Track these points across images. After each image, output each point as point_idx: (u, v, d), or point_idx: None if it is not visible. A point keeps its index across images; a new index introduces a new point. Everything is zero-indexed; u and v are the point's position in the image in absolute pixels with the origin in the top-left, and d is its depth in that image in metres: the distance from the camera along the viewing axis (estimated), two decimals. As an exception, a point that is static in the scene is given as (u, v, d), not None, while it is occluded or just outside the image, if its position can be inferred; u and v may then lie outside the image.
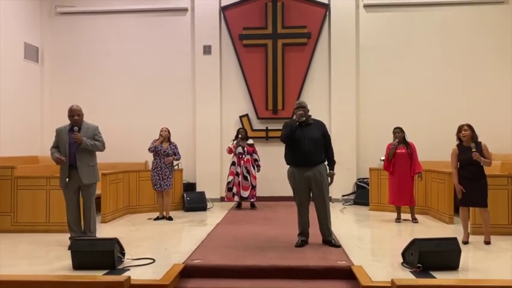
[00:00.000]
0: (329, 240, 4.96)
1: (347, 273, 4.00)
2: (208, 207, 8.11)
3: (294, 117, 5.07)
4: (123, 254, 4.30)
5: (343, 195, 8.88)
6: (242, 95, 9.35)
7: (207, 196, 8.34)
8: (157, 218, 7.00)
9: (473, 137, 5.18)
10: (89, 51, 9.51)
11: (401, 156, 6.63)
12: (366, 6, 9.21)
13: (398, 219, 6.65)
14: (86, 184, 5.05)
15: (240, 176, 7.88)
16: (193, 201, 8.08)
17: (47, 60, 9.57)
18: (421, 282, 3.49)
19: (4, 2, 8.30)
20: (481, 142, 5.19)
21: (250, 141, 8.16)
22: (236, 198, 7.91)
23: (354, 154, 9.01)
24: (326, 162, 5.09)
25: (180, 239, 5.82)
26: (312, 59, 9.21)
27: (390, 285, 3.41)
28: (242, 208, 8.01)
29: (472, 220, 5.61)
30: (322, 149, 5.00)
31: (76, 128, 4.98)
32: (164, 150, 6.94)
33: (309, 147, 4.89)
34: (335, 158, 5.16)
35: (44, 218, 6.03)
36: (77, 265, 4.10)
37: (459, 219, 5.50)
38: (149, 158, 7.39)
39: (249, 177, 7.90)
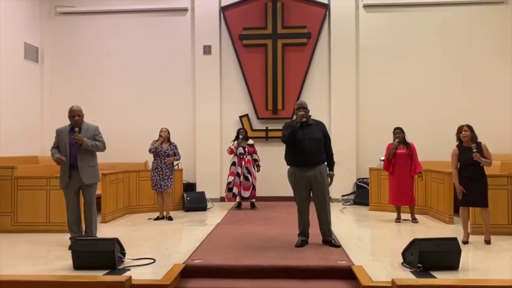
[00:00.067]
0: (329, 240, 4.97)
1: (347, 273, 4.00)
2: (208, 207, 8.11)
3: (295, 117, 5.08)
4: (123, 254, 4.30)
5: (343, 195, 8.88)
6: (242, 95, 9.35)
7: (207, 196, 8.34)
8: (157, 218, 7.00)
9: (473, 137, 5.19)
10: (89, 51, 9.51)
11: (401, 156, 6.64)
12: (366, 6, 9.21)
13: (398, 219, 6.66)
14: (87, 184, 5.05)
15: (241, 177, 7.88)
16: (193, 201, 8.08)
17: (47, 60, 9.57)
18: (421, 282, 3.49)
19: (4, 2, 8.30)
20: (481, 142, 5.20)
21: (251, 141, 8.16)
22: (237, 198, 7.91)
23: (354, 154, 9.02)
24: (326, 163, 5.10)
25: (180, 239, 5.82)
26: (312, 59, 9.21)
27: (390, 285, 3.41)
28: (242, 208, 8.01)
29: (472, 220, 5.61)
30: (323, 149, 5.02)
31: (76, 129, 4.99)
32: (164, 151, 6.95)
33: (310, 147, 4.90)
34: (335, 158, 5.18)
35: (44, 218, 6.03)
36: (77, 265, 4.10)
37: (459, 219, 5.51)
38: (149, 158, 7.40)
39: (250, 178, 7.90)
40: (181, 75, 9.40)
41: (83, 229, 5.23)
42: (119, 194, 7.32)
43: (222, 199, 8.76)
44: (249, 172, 7.91)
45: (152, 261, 4.35)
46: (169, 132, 7.12)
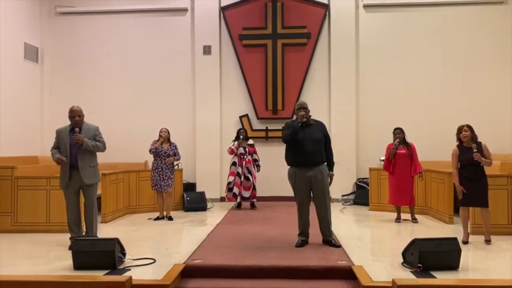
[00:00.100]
0: (329, 240, 4.97)
1: (347, 273, 4.00)
2: (208, 207, 8.11)
3: (295, 117, 5.08)
4: (124, 254, 4.31)
5: (343, 195, 8.88)
6: (242, 95, 9.35)
7: (207, 196, 8.34)
8: (157, 218, 7.00)
9: (473, 137, 5.19)
10: (89, 51, 9.50)
11: (401, 156, 6.64)
12: (365, 6, 9.21)
13: (398, 219, 6.66)
14: (88, 184, 5.06)
15: (242, 177, 7.88)
16: (193, 201, 8.08)
17: (47, 61, 9.57)
18: (422, 282, 3.50)
19: (4, 2, 8.30)
20: (481, 142, 5.20)
21: (251, 141, 8.17)
22: (238, 198, 7.91)
23: (354, 154, 9.02)
24: (326, 163, 5.10)
25: (180, 239, 5.82)
26: (312, 59, 9.21)
27: (391, 285, 3.41)
28: (242, 208, 8.01)
29: (472, 220, 5.61)
30: (323, 149, 5.03)
31: (77, 129, 4.99)
32: (165, 151, 6.95)
33: (310, 147, 4.91)
34: (335, 158, 5.18)
35: (44, 218, 6.03)
36: (77, 265, 4.10)
37: (459, 219, 5.51)
38: (149, 158, 7.40)
39: (251, 178, 7.89)
40: (181, 75, 9.40)
41: (83, 229, 5.23)
42: (119, 194, 7.32)
43: (222, 199, 8.77)
44: (250, 172, 7.91)
45: (152, 261, 4.35)
46: (169, 133, 7.12)
